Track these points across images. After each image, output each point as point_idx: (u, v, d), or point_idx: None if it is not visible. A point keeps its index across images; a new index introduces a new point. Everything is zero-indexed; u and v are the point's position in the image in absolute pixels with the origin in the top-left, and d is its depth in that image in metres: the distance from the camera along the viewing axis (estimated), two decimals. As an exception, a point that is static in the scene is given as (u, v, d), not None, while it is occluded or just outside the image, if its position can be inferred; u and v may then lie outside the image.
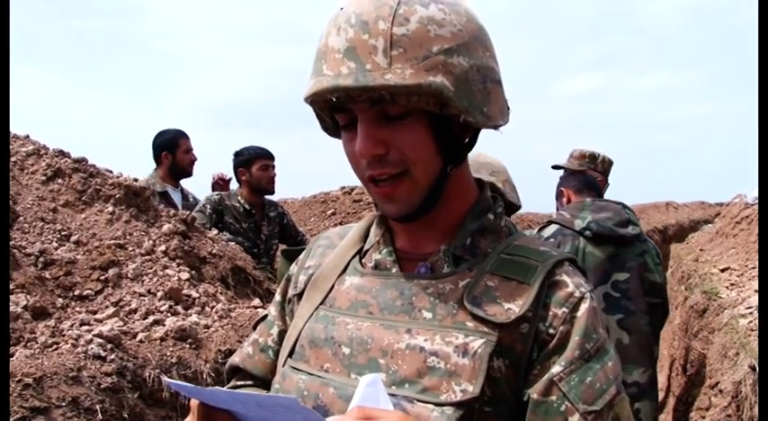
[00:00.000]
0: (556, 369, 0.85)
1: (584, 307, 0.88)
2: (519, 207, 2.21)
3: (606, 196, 3.78)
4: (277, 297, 1.13)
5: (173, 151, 4.16)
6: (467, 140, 0.95)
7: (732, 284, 3.95)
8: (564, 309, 0.88)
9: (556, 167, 3.75)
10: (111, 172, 3.37)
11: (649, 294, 2.66)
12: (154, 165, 4.26)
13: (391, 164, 0.88)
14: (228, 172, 4.42)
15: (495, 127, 0.92)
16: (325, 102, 0.88)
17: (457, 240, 0.95)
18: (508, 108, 0.95)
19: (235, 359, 1.12)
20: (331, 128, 0.98)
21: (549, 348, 0.86)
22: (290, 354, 0.99)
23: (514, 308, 0.87)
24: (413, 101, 0.84)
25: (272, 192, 4.22)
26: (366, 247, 1.02)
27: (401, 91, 0.83)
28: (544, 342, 0.87)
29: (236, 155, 4.10)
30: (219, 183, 4.65)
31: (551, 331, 0.87)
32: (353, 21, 0.85)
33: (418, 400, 0.84)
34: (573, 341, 0.86)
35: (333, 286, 1.00)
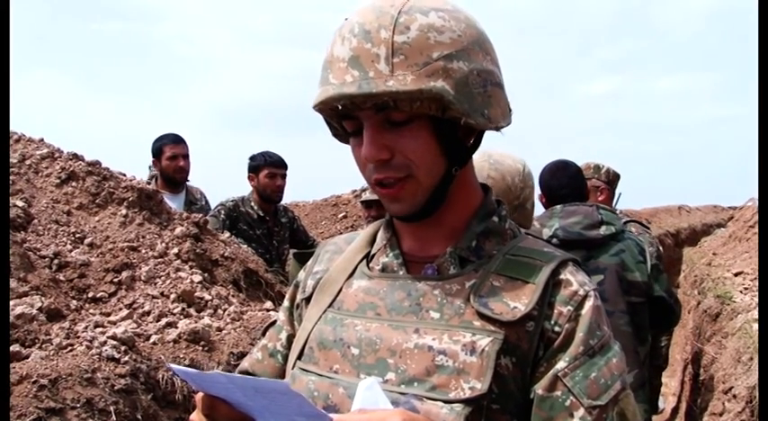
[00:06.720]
0: (560, 365, 0.86)
1: (588, 305, 0.90)
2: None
3: (618, 205, 3.76)
4: (285, 302, 1.14)
5: (158, 158, 4.00)
6: (471, 142, 0.96)
7: (745, 288, 3.91)
8: (569, 308, 0.89)
9: None
10: (124, 175, 3.40)
11: (629, 293, 2.62)
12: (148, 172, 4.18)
13: (396, 168, 0.90)
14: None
15: (497, 128, 0.94)
16: (332, 110, 0.90)
17: (462, 242, 0.96)
18: (510, 110, 0.97)
19: (244, 364, 1.14)
20: (341, 134, 0.99)
21: (555, 346, 0.88)
22: (300, 357, 1.00)
23: (520, 306, 0.88)
24: (415, 106, 0.86)
25: (277, 201, 4.19)
26: (373, 251, 1.04)
27: (403, 97, 0.85)
28: (550, 340, 0.88)
29: (251, 159, 4.10)
30: None
31: (557, 329, 0.88)
32: (357, 30, 0.87)
33: (428, 398, 0.85)
34: (577, 337, 0.88)
35: (341, 289, 1.01)
